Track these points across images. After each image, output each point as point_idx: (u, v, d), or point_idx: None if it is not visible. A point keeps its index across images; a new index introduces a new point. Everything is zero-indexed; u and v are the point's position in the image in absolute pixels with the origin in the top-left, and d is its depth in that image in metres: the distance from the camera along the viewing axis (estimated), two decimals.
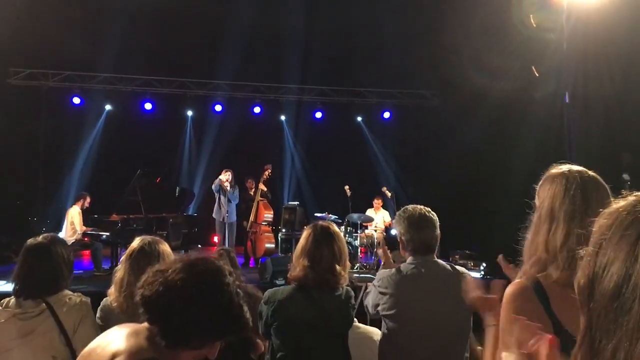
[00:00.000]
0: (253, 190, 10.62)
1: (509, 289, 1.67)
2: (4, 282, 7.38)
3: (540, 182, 1.78)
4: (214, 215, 10.17)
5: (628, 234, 0.77)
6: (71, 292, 2.78)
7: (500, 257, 2.11)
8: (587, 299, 0.82)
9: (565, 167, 1.75)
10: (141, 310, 1.64)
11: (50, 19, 9.64)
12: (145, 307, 1.63)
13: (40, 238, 2.85)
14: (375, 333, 3.28)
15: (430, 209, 3.04)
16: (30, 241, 2.82)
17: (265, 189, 10.56)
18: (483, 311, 1.99)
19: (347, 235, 9.84)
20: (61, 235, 9.28)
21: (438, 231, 2.98)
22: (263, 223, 10.43)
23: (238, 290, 1.69)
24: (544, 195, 1.73)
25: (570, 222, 1.61)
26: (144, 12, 9.80)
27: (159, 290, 1.60)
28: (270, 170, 10.54)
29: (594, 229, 0.86)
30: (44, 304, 2.63)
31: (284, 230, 10.72)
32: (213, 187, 10.06)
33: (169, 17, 10.17)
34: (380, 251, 3.60)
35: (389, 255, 3.44)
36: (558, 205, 1.66)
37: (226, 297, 1.64)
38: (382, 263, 3.42)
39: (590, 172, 1.72)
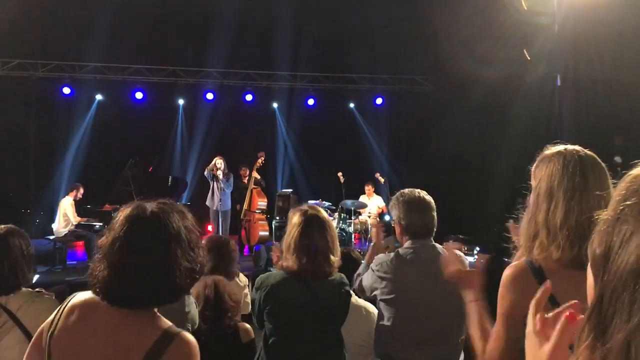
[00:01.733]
0: (247, 178, 10.61)
1: (507, 271, 1.67)
2: None
3: (536, 163, 1.76)
4: (207, 203, 10.16)
5: None
6: (32, 291, 2.53)
7: (510, 223, 2.10)
8: (602, 270, 0.76)
9: (560, 147, 1.73)
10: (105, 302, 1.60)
11: (38, 9, 9.53)
12: (110, 301, 1.59)
13: None
14: (369, 305, 3.31)
15: (426, 192, 3.04)
16: None
17: (258, 176, 10.56)
18: (462, 286, 1.98)
19: (340, 222, 9.86)
20: (54, 226, 9.28)
21: (435, 214, 2.98)
22: (257, 211, 10.44)
23: (187, 224, 1.70)
24: (540, 174, 1.71)
25: (570, 200, 1.60)
26: (132, 1, 9.71)
27: (118, 280, 1.56)
28: (263, 158, 10.53)
29: (615, 192, 0.80)
30: (5, 315, 2.36)
31: (277, 217, 10.72)
32: (205, 173, 10.06)
33: (158, 5, 10.08)
34: (374, 230, 3.57)
35: (382, 235, 3.43)
36: (557, 183, 1.64)
37: (184, 244, 1.65)
38: (372, 243, 3.41)
39: (587, 150, 1.71)
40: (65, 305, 1.64)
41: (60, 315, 1.63)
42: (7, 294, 2.43)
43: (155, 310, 1.66)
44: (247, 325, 3.11)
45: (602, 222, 0.79)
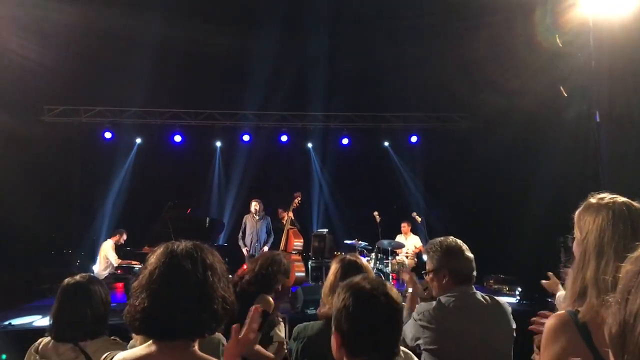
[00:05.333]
0: (285, 219, 10.65)
1: (550, 321, 1.63)
2: (40, 316, 7.47)
3: (580, 212, 1.71)
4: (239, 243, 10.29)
5: None
6: (108, 338, 2.65)
7: (549, 279, 2.04)
8: (620, 349, 0.79)
9: (607, 198, 1.68)
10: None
11: (79, 56, 9.90)
12: (151, 332, 1.62)
13: (78, 277, 2.72)
14: (409, 353, 3.21)
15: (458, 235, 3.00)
16: (67, 280, 2.70)
17: (292, 217, 10.57)
18: None
19: (377, 262, 9.76)
20: (95, 268, 9.46)
21: (473, 259, 2.94)
22: (293, 252, 10.41)
23: (218, 259, 1.78)
24: (587, 227, 1.65)
25: (622, 261, 1.54)
26: (169, 47, 10.00)
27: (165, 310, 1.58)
28: (300, 198, 10.57)
29: (620, 275, 0.83)
30: (83, 356, 2.47)
31: (313, 258, 10.67)
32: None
33: (194, 51, 10.34)
34: (406, 277, 3.51)
35: (416, 281, 3.37)
36: (607, 240, 1.58)
37: (218, 273, 1.71)
38: (410, 290, 3.32)
39: (635, 203, 1.65)
40: None
41: None
42: (92, 338, 2.55)
43: (195, 345, 1.67)
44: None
45: (614, 304, 0.82)
